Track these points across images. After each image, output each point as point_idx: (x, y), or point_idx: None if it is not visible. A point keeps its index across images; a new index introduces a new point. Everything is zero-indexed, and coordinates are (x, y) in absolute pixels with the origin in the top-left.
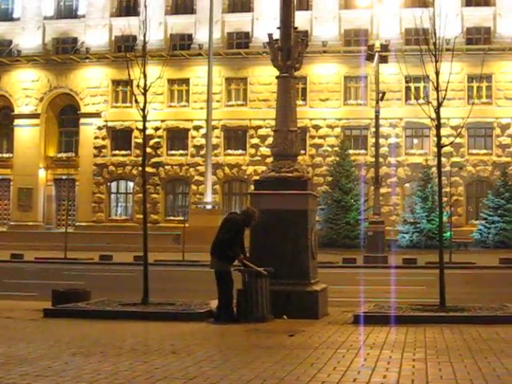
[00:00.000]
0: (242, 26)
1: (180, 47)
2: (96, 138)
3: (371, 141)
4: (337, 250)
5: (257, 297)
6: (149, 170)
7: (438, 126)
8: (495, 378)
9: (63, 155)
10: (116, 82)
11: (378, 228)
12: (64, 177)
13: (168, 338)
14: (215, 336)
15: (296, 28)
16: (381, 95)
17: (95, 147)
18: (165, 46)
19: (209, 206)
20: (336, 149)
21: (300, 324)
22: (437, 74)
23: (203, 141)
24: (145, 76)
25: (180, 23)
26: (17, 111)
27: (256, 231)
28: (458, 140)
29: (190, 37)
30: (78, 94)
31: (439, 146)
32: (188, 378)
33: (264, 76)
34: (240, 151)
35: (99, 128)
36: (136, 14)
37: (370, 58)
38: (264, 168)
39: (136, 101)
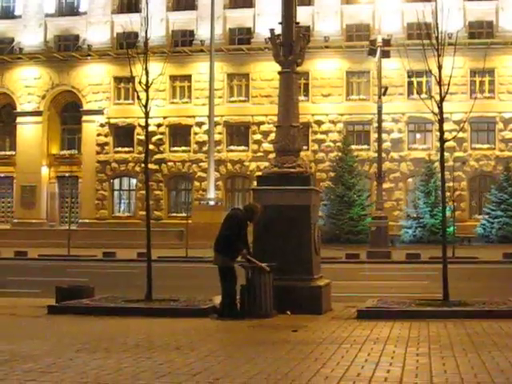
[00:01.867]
0: (244, 21)
1: (182, 43)
2: (98, 135)
3: (374, 136)
4: (340, 246)
5: (260, 292)
6: (151, 166)
7: (441, 121)
8: (499, 372)
9: (66, 152)
10: (118, 79)
11: (381, 223)
12: (67, 174)
13: (172, 333)
14: (219, 332)
15: (298, 23)
16: (383, 90)
17: (98, 144)
18: (166, 43)
19: (212, 202)
20: (339, 144)
21: (303, 319)
22: (439, 68)
23: (205, 137)
24: (147, 73)
25: (181, 19)
26: (19, 109)
27: (259, 227)
28: (460, 135)
29: (191, 33)
30: (80, 92)
31: (442, 140)
32: (192, 373)
33: (266, 72)
34: (242, 147)
35: (101, 125)
36: (137, 10)
37: (372, 52)
38: (267, 164)
39: (138, 98)
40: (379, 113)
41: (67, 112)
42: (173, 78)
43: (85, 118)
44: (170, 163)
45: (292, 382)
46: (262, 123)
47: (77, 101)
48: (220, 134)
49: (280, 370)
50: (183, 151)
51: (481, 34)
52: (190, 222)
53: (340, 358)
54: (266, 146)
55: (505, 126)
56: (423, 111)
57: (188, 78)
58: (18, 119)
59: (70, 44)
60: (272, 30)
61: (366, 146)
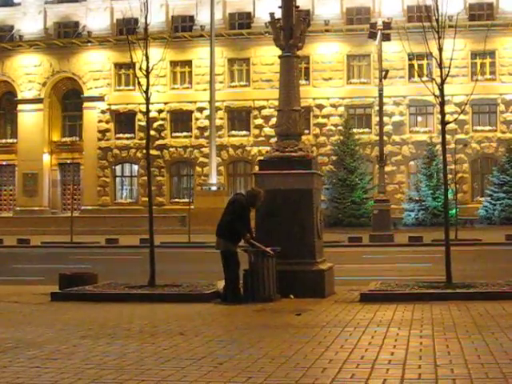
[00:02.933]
0: (244, 6)
1: (182, 29)
2: (100, 121)
3: (375, 119)
4: (342, 229)
5: (263, 277)
6: (153, 152)
7: (442, 103)
8: (503, 353)
9: (67, 139)
10: (118, 66)
11: (383, 206)
12: (68, 161)
13: (175, 319)
14: (222, 316)
15: (298, 7)
16: (384, 73)
17: (99, 131)
18: (166, 28)
19: (214, 188)
20: (340, 128)
21: (307, 303)
22: (440, 50)
23: (207, 122)
24: (147, 58)
25: (181, 5)
26: (20, 96)
27: (261, 211)
28: (462, 117)
29: (191, 18)
30: (81, 78)
31: (443, 123)
32: (196, 358)
33: (267, 56)
34: (244, 132)
35: (103, 112)
36: None
37: (372, 36)
38: (268, 148)
39: (139, 84)
40: (380, 96)
41: (68, 99)
42: (173, 64)
43: (86, 104)
44: (171, 149)
45: (296, 365)
46: (263, 108)
47: (77, 87)
48: (221, 119)
49: (284, 353)
50: (185, 137)
51: (481, 15)
52: (192, 207)
53: (344, 341)
54: (268, 130)
55: (506, 108)
56: (424, 94)
57: (188, 63)
58: (19, 107)
59: (69, 31)
60: (272, 14)
61: (367, 130)
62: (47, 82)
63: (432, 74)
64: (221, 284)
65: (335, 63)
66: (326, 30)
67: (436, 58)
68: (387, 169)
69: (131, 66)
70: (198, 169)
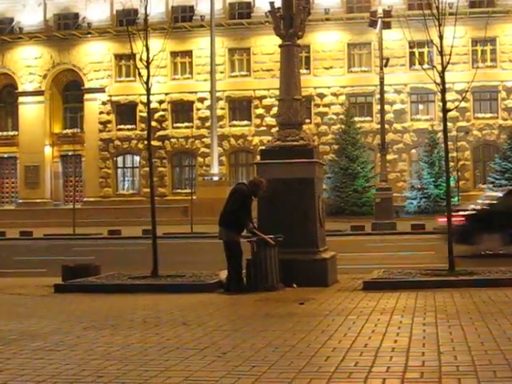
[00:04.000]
0: None
1: (182, 19)
2: (101, 113)
3: (376, 108)
4: (345, 218)
5: (266, 266)
6: (154, 143)
7: (443, 91)
8: (506, 339)
9: (68, 131)
10: (119, 57)
11: (385, 195)
12: (70, 153)
13: (179, 309)
14: (226, 306)
15: None
16: (385, 61)
17: (100, 122)
18: (166, 19)
19: (216, 178)
20: (341, 117)
21: (310, 292)
22: (440, 38)
23: (208, 113)
24: (147, 49)
25: None
26: (21, 89)
27: (263, 200)
28: (463, 104)
29: (191, 8)
30: (82, 70)
31: (445, 110)
32: (200, 348)
33: (267, 46)
34: (245, 122)
35: (103, 103)
36: None
37: (373, 24)
38: (269, 138)
39: (139, 74)
40: (381, 84)
41: (69, 91)
42: (174, 54)
43: (86, 96)
44: (172, 139)
45: (300, 353)
46: (264, 97)
47: (78, 79)
48: (222, 109)
49: (287, 342)
50: (186, 127)
51: (482, 2)
52: (194, 197)
53: (347, 330)
54: (269, 119)
55: (507, 95)
56: (425, 82)
57: (189, 53)
58: (20, 99)
59: (69, 22)
60: (272, 3)
61: (368, 118)
62: (48, 74)
63: (433, 62)
64: (224, 274)
65: (336, 52)
66: (327, 19)
67: (437, 46)
68: (389, 157)
69: (131, 57)
70: (200, 159)
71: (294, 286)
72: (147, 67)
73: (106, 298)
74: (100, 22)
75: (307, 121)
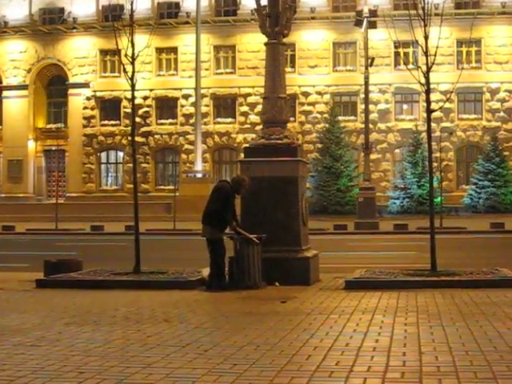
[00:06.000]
0: None
1: (167, 15)
2: (85, 108)
3: (361, 107)
4: (328, 217)
5: (249, 264)
6: (138, 139)
7: (428, 91)
8: (487, 341)
9: (52, 126)
10: (104, 52)
11: (368, 194)
12: (53, 148)
13: (160, 306)
14: (207, 304)
15: None
16: (370, 61)
17: (84, 117)
18: (152, 15)
19: (199, 175)
20: (326, 115)
21: (292, 290)
22: (426, 38)
23: (192, 109)
24: (132, 45)
25: None
26: (5, 83)
27: (246, 199)
28: (447, 105)
29: (177, 5)
30: (66, 65)
31: (429, 111)
32: (181, 345)
33: (252, 43)
34: (229, 119)
35: (88, 98)
36: None
37: (358, 23)
38: (254, 136)
39: (124, 70)
40: (366, 84)
41: (53, 85)
42: (159, 51)
43: (71, 91)
44: (156, 136)
45: (281, 352)
46: (249, 95)
47: (63, 74)
48: (207, 106)
49: (269, 340)
50: (170, 124)
51: (467, 4)
52: (177, 194)
53: (329, 329)
54: (253, 117)
55: (491, 96)
56: (410, 82)
57: (174, 50)
58: (4, 93)
59: (55, 17)
60: (258, 1)
61: (353, 117)
62: (32, 68)
63: (418, 62)
64: (206, 271)
65: (321, 51)
66: (312, 18)
67: (422, 46)
68: (373, 156)
69: (117, 52)
70: (184, 156)
71: (277, 284)
72: (132, 63)
73: (88, 293)
74: (85, 17)
75: (291, 119)
